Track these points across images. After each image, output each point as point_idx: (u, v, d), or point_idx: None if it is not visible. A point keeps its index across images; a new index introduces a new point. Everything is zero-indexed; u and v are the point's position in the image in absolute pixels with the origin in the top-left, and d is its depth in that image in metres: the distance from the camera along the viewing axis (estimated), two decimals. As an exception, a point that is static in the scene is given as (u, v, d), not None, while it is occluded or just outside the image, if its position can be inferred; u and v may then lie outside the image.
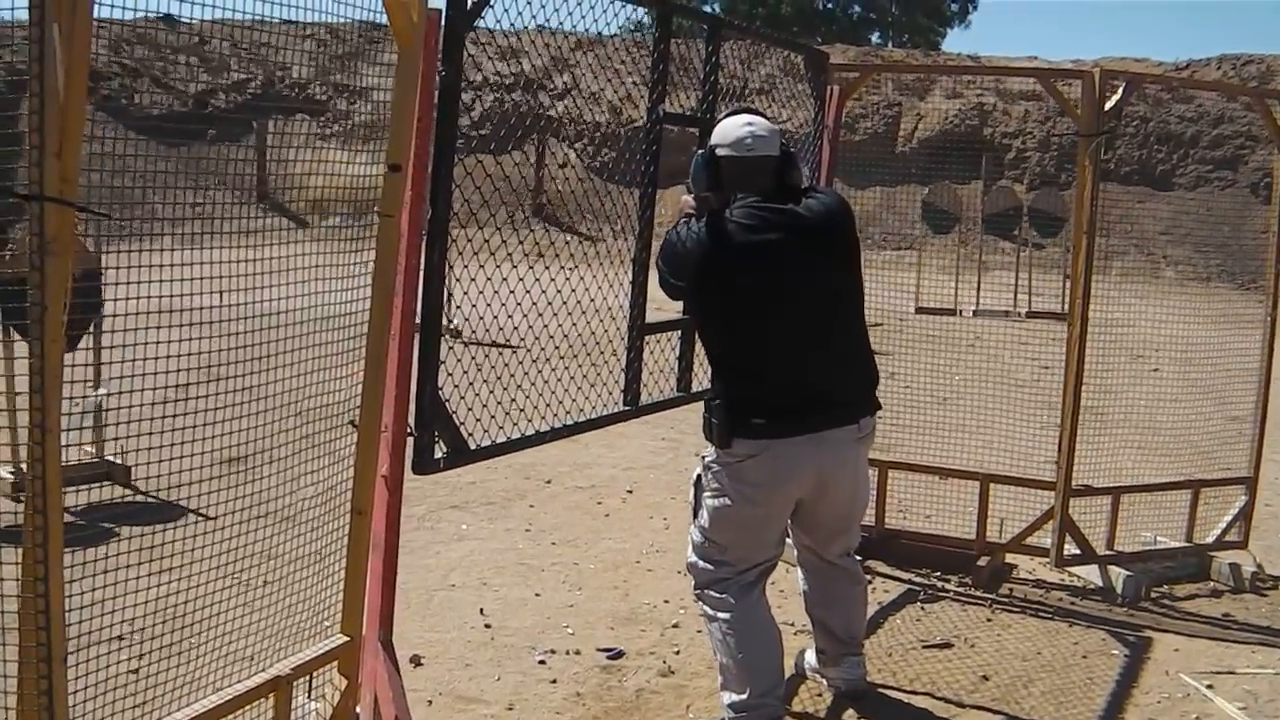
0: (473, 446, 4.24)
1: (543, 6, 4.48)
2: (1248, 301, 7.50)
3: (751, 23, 33.94)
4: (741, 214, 4.58)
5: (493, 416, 4.33)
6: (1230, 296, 8.10)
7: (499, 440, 4.38)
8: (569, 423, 4.75)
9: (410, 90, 3.80)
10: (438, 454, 4.10)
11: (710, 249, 4.54)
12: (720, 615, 4.72)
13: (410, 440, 3.99)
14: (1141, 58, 32.86)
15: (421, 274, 3.93)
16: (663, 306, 4.95)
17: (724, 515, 4.71)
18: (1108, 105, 6.58)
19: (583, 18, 4.62)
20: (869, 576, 6.65)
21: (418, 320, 3.93)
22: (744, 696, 4.63)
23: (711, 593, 4.77)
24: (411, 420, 3.98)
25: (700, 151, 4.80)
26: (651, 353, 5.19)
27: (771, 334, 4.59)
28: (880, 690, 5.35)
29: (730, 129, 4.74)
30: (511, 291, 4.56)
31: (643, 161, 5.06)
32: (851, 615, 5.21)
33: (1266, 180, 26.34)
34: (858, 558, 5.33)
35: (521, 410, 4.50)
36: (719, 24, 5.57)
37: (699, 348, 4.97)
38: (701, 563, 4.81)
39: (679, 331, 5.38)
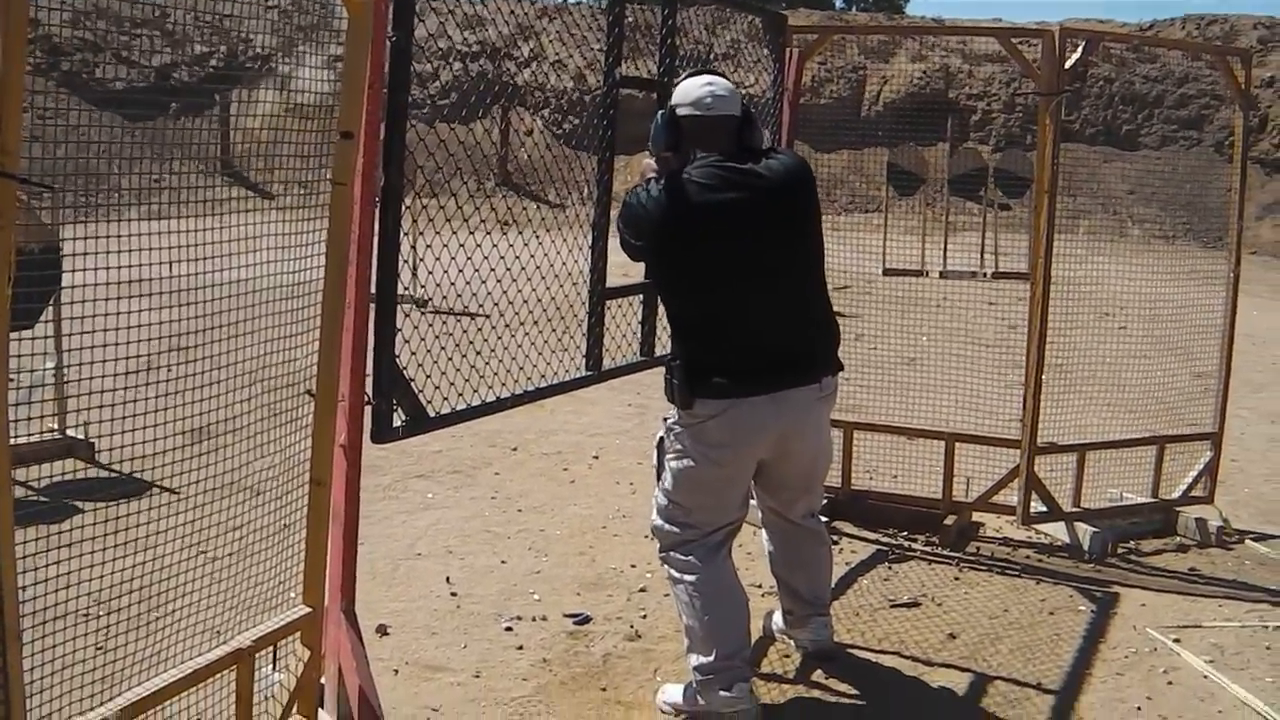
0: (432, 414, 4.22)
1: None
2: (1213, 259, 7.51)
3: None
4: (701, 174, 4.54)
5: (452, 384, 4.31)
6: (1196, 254, 8.13)
7: (459, 408, 4.36)
8: (529, 389, 4.72)
9: (361, 56, 3.75)
10: (396, 422, 4.07)
11: (669, 209, 4.51)
12: (686, 578, 4.71)
13: (369, 409, 3.97)
14: (1106, 19, 32.94)
15: (376, 241, 3.90)
16: (628, 272, 4.93)
17: (687, 477, 4.68)
18: (1068, 64, 6.57)
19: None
20: (836, 537, 6.68)
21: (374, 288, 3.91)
22: (710, 659, 4.61)
23: (677, 555, 4.76)
24: (369, 389, 3.96)
25: (661, 112, 4.76)
26: (614, 317, 5.16)
27: (731, 294, 4.56)
28: (848, 650, 5.36)
29: (690, 88, 4.70)
30: (471, 260, 4.52)
31: (600, 126, 5.04)
32: (816, 576, 5.20)
33: (1230, 139, 26.46)
34: (823, 518, 5.31)
35: (482, 378, 4.47)
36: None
37: (662, 311, 4.94)
38: (666, 525, 4.79)
39: (641, 296, 5.35)
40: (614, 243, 4.84)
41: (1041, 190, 6.63)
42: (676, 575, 4.75)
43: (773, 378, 4.55)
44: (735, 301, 4.56)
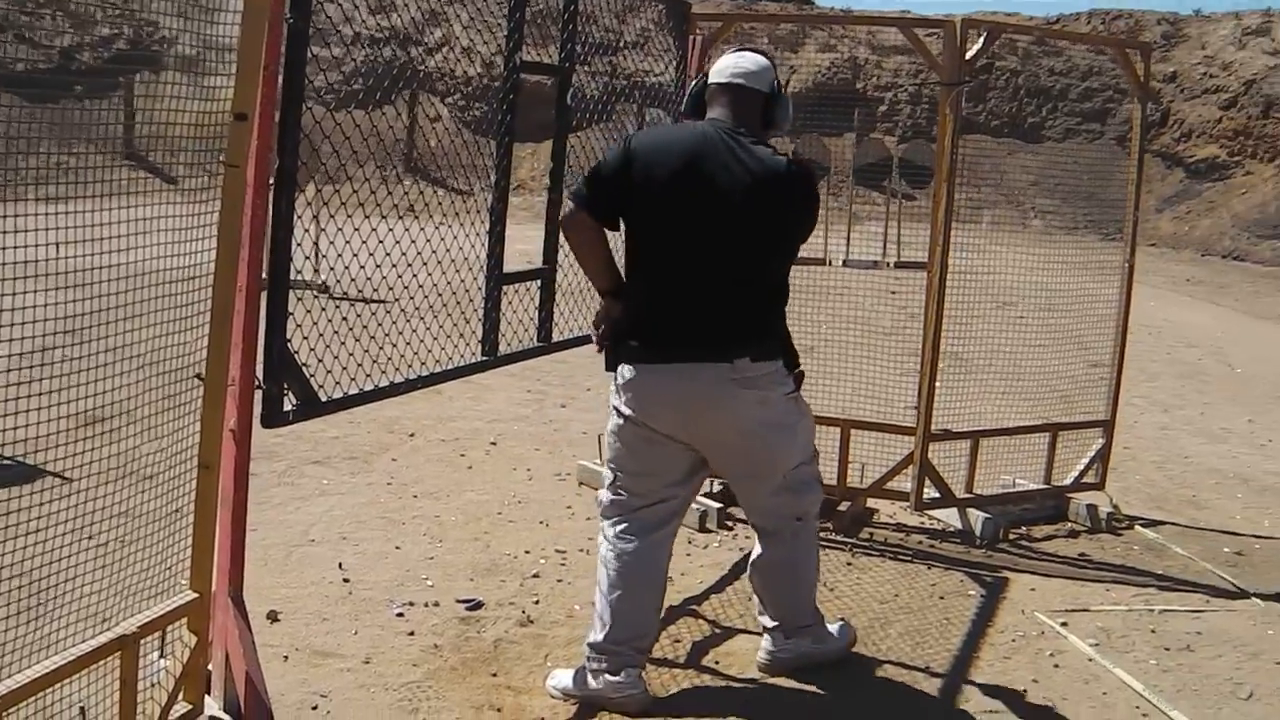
0: (324, 399, 4.19)
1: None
2: (1112, 250, 7.61)
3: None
4: (701, 128, 4.63)
5: (344, 369, 4.29)
6: (1096, 245, 8.21)
7: (351, 392, 4.35)
8: (424, 374, 4.71)
9: (256, 37, 3.72)
10: (287, 407, 4.05)
11: (656, 141, 4.66)
12: (607, 552, 4.79)
13: (259, 393, 3.94)
14: (1012, 12, 33.24)
15: (270, 224, 3.88)
16: (532, 259, 4.93)
17: (614, 436, 4.78)
18: (968, 55, 6.63)
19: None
20: (730, 523, 6.71)
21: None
22: (601, 639, 4.67)
23: (607, 525, 4.84)
24: (259, 373, 3.93)
25: (697, 82, 4.86)
26: (510, 303, 5.17)
27: (663, 263, 4.61)
28: (744, 633, 5.38)
29: (723, 60, 4.77)
30: (370, 245, 4.50)
31: (501, 112, 5.04)
32: (779, 590, 5.04)
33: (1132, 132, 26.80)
34: (801, 522, 5.02)
35: (375, 363, 4.46)
36: (575, -28, 5.52)
37: (559, 298, 4.96)
38: (603, 492, 4.89)
39: (539, 281, 5.36)
40: (514, 229, 4.84)
41: (941, 180, 6.69)
42: (602, 548, 4.82)
43: (677, 349, 4.58)
44: (668, 272, 4.60)
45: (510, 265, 5.05)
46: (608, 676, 4.64)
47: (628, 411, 4.68)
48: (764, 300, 4.69)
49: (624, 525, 4.79)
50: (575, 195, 4.69)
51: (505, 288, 5.06)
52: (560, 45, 5.33)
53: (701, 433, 4.68)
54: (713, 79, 4.74)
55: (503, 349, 5.14)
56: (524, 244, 4.77)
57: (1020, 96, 29.00)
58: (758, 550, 5.03)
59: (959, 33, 6.55)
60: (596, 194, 4.63)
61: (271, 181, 3.87)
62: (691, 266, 4.55)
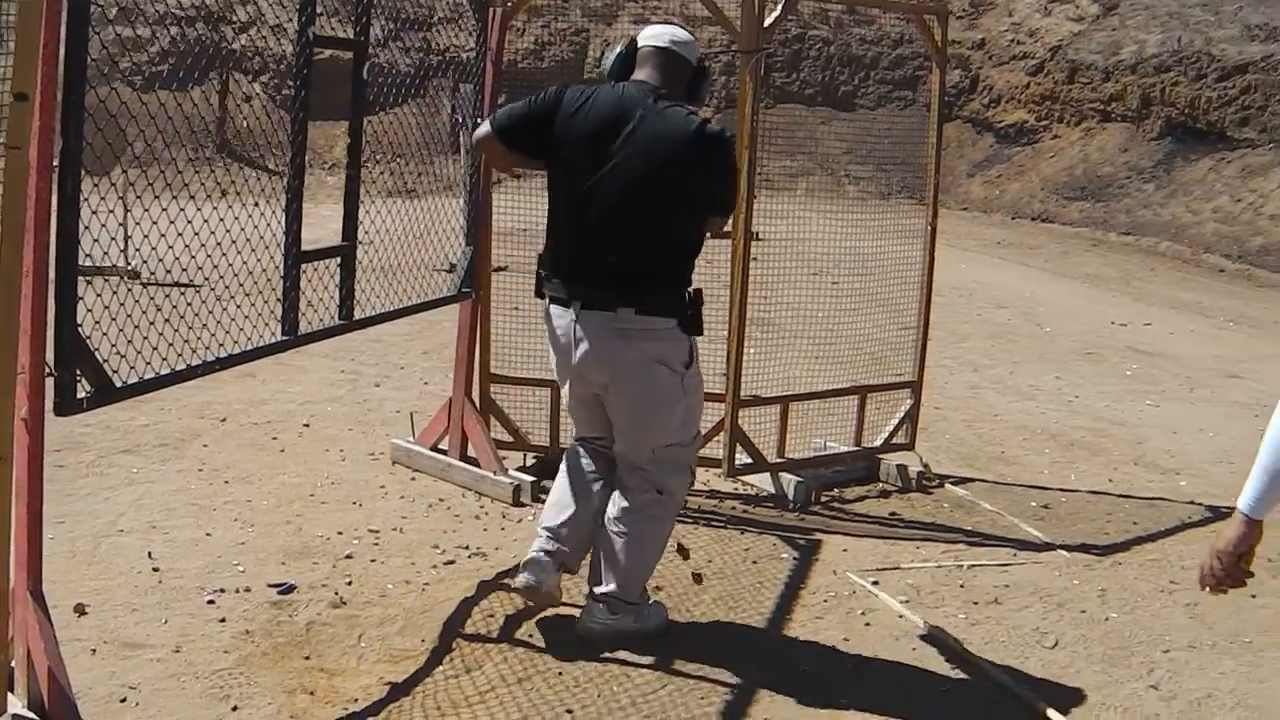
0: (120, 384, 4.11)
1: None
2: (923, 215, 7.72)
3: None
4: (616, 89, 4.90)
5: (153, 354, 4.21)
6: (910, 211, 8.34)
7: (147, 376, 4.27)
8: (221, 356, 4.64)
9: (35, 13, 3.62)
10: (80, 393, 3.96)
11: (578, 94, 4.94)
12: (566, 459, 5.34)
13: (51, 380, 3.85)
14: (822, -20, 33.52)
15: (55, 208, 3.78)
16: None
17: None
18: (767, 22, 6.68)
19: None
20: (544, 495, 6.70)
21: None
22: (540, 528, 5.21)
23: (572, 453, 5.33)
24: (50, 359, 3.84)
25: (623, 46, 5.09)
26: (310, 282, 5.13)
27: (571, 210, 4.89)
28: (556, 611, 5.39)
29: (654, 28, 5.07)
30: (179, 229, 4.43)
31: (295, 87, 4.97)
32: (613, 552, 5.10)
33: (946, 98, 27.23)
34: (661, 495, 5.11)
35: (186, 347, 4.38)
36: (368, -55, 5.46)
37: (360, 275, 4.94)
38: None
39: (339, 259, 5.30)
40: (333, 208, 4.80)
41: (742, 147, 6.73)
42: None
43: (573, 289, 4.88)
44: (574, 220, 4.89)
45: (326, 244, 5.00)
46: (527, 556, 5.16)
47: (550, 346, 5.10)
48: (662, 257, 4.87)
49: (570, 450, 5.33)
50: (492, 119, 5.12)
51: (311, 267, 5.02)
52: (355, 19, 5.27)
53: (587, 373, 4.95)
54: (645, 42, 4.98)
55: (310, 328, 5.09)
56: (314, 227, 4.73)
57: (833, 65, 29.30)
58: (610, 508, 5.14)
59: (756, 1, 6.59)
60: (510, 124, 5.02)
61: (56, 164, 3.77)
62: (595, 217, 4.81)
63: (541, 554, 5.09)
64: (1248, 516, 3.40)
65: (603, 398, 5.00)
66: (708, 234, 5.10)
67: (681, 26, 5.14)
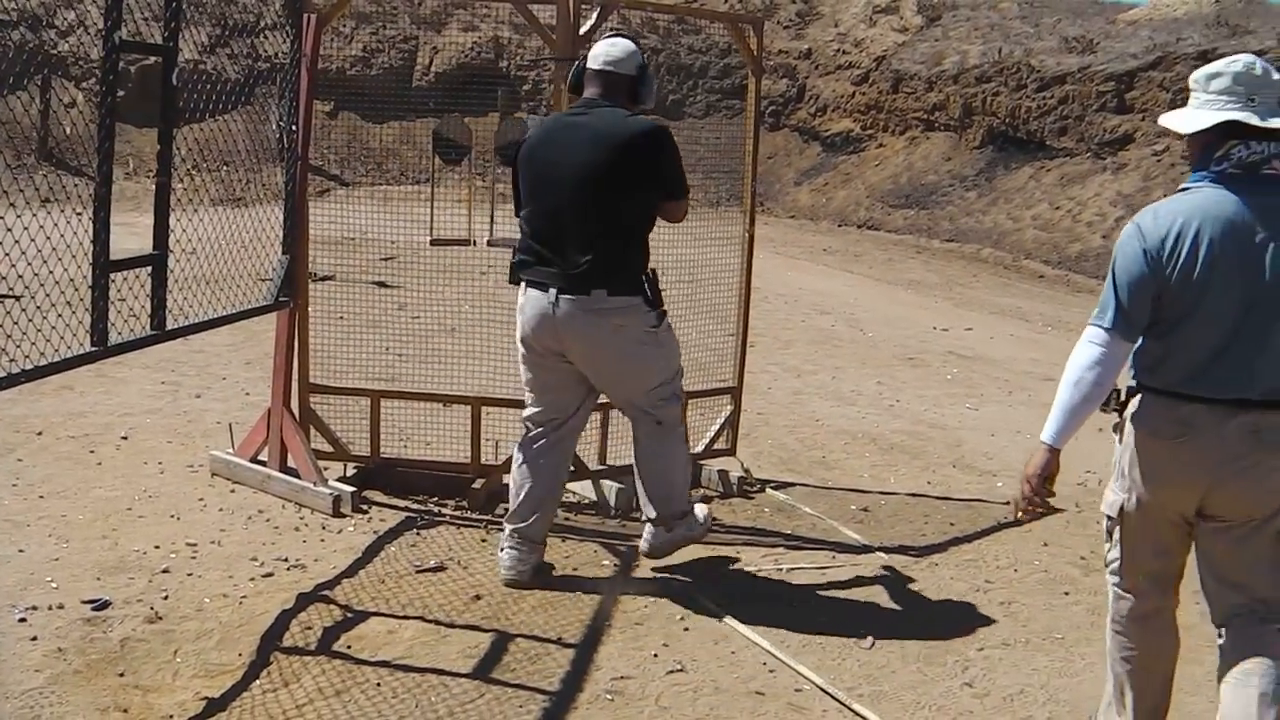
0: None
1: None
2: (756, 223, 7.80)
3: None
4: (554, 118, 6.01)
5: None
6: (737, 218, 8.41)
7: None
8: (27, 368, 4.54)
9: None
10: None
11: (532, 134, 5.91)
12: (517, 451, 6.01)
13: None
14: (652, -10, 33.68)
15: None
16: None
17: (521, 356, 5.90)
18: (582, 30, 6.71)
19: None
20: (365, 506, 6.68)
21: None
22: (506, 519, 5.96)
23: (524, 435, 5.99)
24: None
25: (576, 63, 5.96)
26: (133, 290, 5.06)
27: (535, 211, 5.69)
28: (377, 616, 5.37)
29: (597, 48, 5.79)
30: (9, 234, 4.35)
31: (101, 91, 4.90)
32: (648, 485, 5.93)
33: (770, 107, 27.52)
34: (661, 425, 5.89)
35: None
36: (177, -50, 5.38)
37: (183, 285, 4.94)
38: (526, 409, 6.01)
39: (150, 268, 5.22)
40: (138, 217, 4.73)
41: (556, 158, 6.75)
42: (515, 450, 6.05)
43: (545, 275, 5.62)
44: (533, 214, 5.70)
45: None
46: (505, 551, 5.86)
47: (520, 334, 5.80)
48: (618, 242, 5.62)
49: (533, 436, 5.93)
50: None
51: (134, 277, 4.96)
52: (164, 24, 5.19)
53: (568, 349, 5.69)
54: (588, 65, 5.76)
55: (122, 338, 5.02)
56: (124, 236, 4.69)
57: (662, 74, 29.47)
58: (635, 448, 5.98)
59: (572, 9, 6.63)
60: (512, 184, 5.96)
61: None
62: (554, 216, 5.62)
63: (513, 549, 5.84)
64: (1049, 445, 4.12)
65: (580, 367, 5.75)
66: (659, 220, 5.84)
67: (626, 37, 5.89)
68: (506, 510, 5.99)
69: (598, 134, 5.55)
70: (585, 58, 5.84)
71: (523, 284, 5.73)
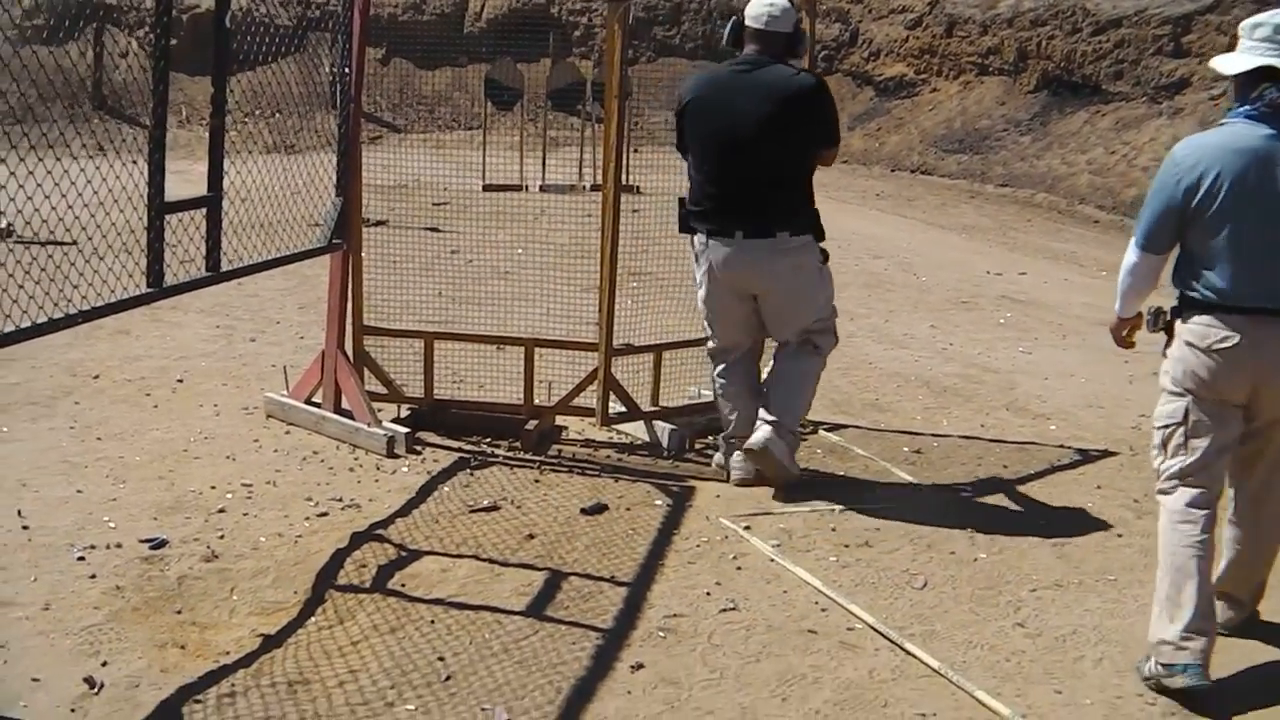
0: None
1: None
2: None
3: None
4: (717, 70, 6.57)
5: (24, 313, 4.15)
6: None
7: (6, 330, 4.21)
8: (84, 309, 4.58)
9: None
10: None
11: (688, 86, 6.48)
12: (714, 382, 6.70)
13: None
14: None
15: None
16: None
17: (700, 293, 6.50)
18: (634, -29, 6.68)
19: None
20: (419, 448, 6.71)
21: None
22: (727, 432, 6.64)
23: (714, 365, 6.69)
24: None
25: (734, 18, 6.42)
26: (188, 235, 5.10)
27: (709, 160, 6.25)
28: (430, 555, 5.41)
29: (754, 7, 6.25)
30: (60, 186, 4.38)
31: (153, 36, 4.92)
32: (778, 389, 6.46)
33: (824, 52, 27.30)
34: (815, 346, 6.52)
35: (45, 306, 4.33)
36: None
37: (236, 231, 4.97)
38: (710, 341, 6.66)
39: (205, 210, 5.25)
40: (190, 165, 4.76)
41: (611, 97, 6.75)
42: (711, 381, 6.77)
43: (730, 225, 6.20)
44: (711, 166, 6.25)
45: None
46: (734, 455, 6.53)
47: (700, 273, 6.41)
48: (793, 187, 6.26)
49: (718, 366, 6.64)
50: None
51: (186, 221, 4.99)
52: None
53: (755, 288, 6.32)
54: (748, 23, 6.26)
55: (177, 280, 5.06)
56: (176, 168, 4.74)
57: (714, 19, 29.30)
58: (777, 362, 6.58)
59: (626, -50, 6.60)
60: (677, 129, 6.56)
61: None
62: (730, 167, 6.17)
63: (740, 456, 6.48)
64: (1120, 317, 5.12)
65: (760, 301, 6.36)
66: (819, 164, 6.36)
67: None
68: (721, 429, 6.73)
69: (770, 88, 6.10)
70: (743, 14, 6.31)
71: (700, 234, 6.32)
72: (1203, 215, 4.55)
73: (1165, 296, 4.85)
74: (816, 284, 6.43)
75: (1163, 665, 4.53)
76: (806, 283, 6.37)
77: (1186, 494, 4.71)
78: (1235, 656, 4.87)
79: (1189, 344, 4.65)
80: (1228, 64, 4.67)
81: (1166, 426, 4.78)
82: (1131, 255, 4.89)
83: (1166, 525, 4.73)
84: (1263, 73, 4.55)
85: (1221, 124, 4.69)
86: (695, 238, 6.39)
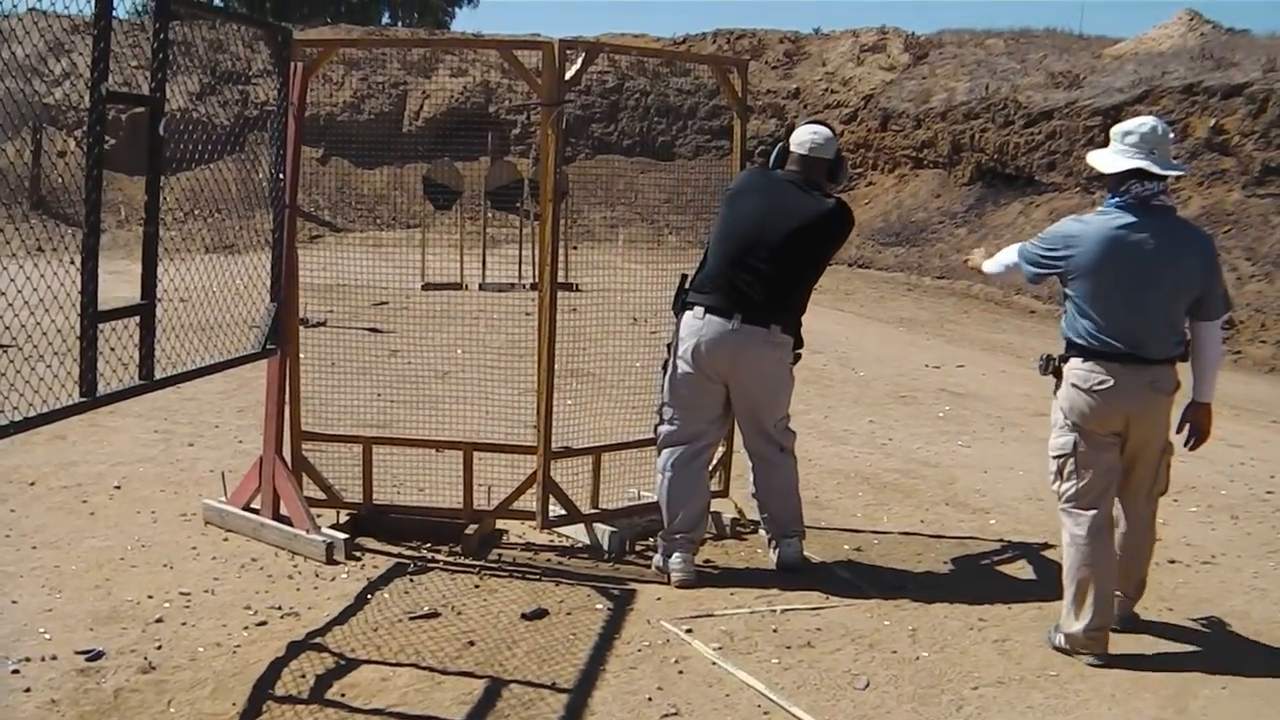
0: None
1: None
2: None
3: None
4: (761, 171, 6.91)
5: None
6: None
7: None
8: (16, 419, 4.53)
9: None
10: None
11: (736, 180, 6.97)
12: (663, 473, 6.68)
13: None
14: (641, 33, 33.87)
15: None
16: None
17: (669, 375, 6.65)
18: (568, 75, 6.73)
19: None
20: (358, 553, 6.66)
21: None
22: (666, 529, 6.66)
23: (663, 452, 6.71)
24: None
25: (780, 144, 6.86)
26: (121, 340, 5.07)
27: (733, 238, 6.53)
28: (370, 664, 5.36)
29: (801, 132, 6.77)
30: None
31: (88, 141, 4.90)
32: (778, 504, 6.84)
33: (760, 147, 27.55)
34: (782, 448, 6.83)
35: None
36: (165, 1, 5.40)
37: (175, 333, 4.96)
38: (660, 425, 6.73)
39: (139, 318, 5.22)
40: (130, 265, 4.72)
41: (546, 199, 6.79)
42: (659, 468, 6.73)
43: (731, 308, 6.45)
44: (732, 250, 6.51)
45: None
46: (670, 556, 6.59)
47: (685, 353, 6.53)
48: (798, 292, 6.62)
49: (672, 459, 6.66)
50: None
51: (125, 324, 4.96)
52: (151, 74, 5.20)
53: (734, 374, 6.54)
54: (794, 148, 6.70)
55: (110, 388, 5.01)
56: (111, 271, 4.71)
57: (651, 116, 29.58)
58: (752, 478, 6.88)
59: (557, 54, 6.65)
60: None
61: None
62: (755, 262, 6.44)
63: (683, 554, 6.59)
64: (979, 268, 6.78)
65: (734, 390, 6.60)
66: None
67: (823, 124, 6.88)
68: (664, 524, 6.66)
69: (806, 206, 6.53)
70: (788, 139, 6.80)
71: (697, 309, 6.51)
72: (1077, 277, 5.77)
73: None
74: (787, 381, 6.75)
75: (1072, 649, 5.78)
76: (782, 378, 6.69)
77: (1080, 518, 5.82)
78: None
79: (1074, 384, 5.77)
80: (1106, 162, 5.80)
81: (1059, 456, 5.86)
82: (1016, 260, 6.20)
83: (1068, 540, 5.84)
84: (1132, 172, 5.69)
85: (1101, 210, 5.86)
86: (687, 315, 6.56)
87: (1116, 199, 5.77)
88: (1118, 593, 5.94)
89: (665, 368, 6.69)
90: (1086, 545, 5.75)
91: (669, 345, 6.67)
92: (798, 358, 6.73)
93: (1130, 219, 5.68)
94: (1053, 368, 5.90)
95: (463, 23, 54.28)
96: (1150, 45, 25.27)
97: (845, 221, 6.71)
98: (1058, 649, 5.80)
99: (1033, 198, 22.77)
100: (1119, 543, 5.94)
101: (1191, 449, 6.01)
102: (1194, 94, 21.46)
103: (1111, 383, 5.65)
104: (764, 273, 6.45)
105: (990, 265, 6.58)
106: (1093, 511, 5.76)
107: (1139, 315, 5.67)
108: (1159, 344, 5.70)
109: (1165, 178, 5.72)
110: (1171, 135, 5.97)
